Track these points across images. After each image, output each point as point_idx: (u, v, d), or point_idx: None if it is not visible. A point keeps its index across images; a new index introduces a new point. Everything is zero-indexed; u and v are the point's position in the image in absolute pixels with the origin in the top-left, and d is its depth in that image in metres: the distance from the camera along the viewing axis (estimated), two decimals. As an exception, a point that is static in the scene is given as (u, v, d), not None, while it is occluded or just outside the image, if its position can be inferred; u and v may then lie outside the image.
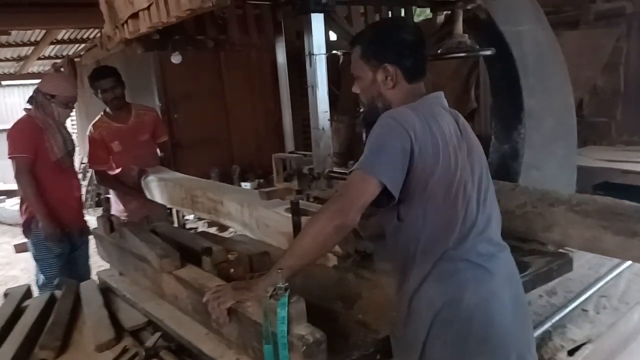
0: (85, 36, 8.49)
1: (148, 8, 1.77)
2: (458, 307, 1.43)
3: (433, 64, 6.63)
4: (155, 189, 3.30)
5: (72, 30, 8.11)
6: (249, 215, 2.42)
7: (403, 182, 1.42)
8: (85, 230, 3.71)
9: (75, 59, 8.80)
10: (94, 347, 1.84)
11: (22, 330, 1.93)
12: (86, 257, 3.72)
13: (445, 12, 2.67)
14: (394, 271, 1.60)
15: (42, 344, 1.82)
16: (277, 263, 1.54)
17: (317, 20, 2.03)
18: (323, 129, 2.12)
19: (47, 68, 10.33)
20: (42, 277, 3.43)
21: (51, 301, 2.22)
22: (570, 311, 2.26)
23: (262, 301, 1.41)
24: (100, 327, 1.92)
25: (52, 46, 8.90)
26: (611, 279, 2.50)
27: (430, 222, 1.46)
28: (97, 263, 3.98)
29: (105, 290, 2.33)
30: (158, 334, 1.87)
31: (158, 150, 3.90)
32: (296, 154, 2.29)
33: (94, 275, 4.71)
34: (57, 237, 3.30)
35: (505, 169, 2.83)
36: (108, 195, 8.05)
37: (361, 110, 7.77)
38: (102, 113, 3.69)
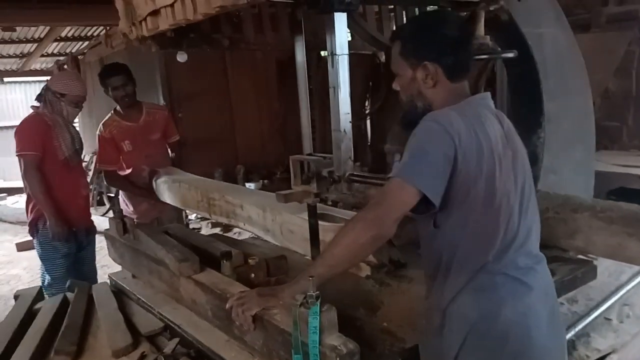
0: (89, 34, 8.44)
1: (172, 5, 1.72)
2: (494, 322, 1.38)
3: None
4: (168, 191, 3.24)
5: (76, 27, 8.07)
6: (271, 221, 2.33)
7: (445, 189, 1.35)
8: (91, 229, 3.67)
9: (79, 57, 8.75)
10: (110, 352, 1.79)
11: (36, 334, 1.88)
12: (92, 257, 3.69)
13: (465, 13, 2.63)
14: (426, 277, 1.54)
15: (57, 348, 1.77)
16: (306, 270, 1.49)
17: (340, 20, 1.98)
18: (345, 131, 2.07)
19: (50, 65, 10.28)
20: (48, 277, 3.39)
21: (64, 304, 2.17)
22: (593, 320, 2.22)
23: (292, 309, 1.36)
24: (116, 332, 1.87)
25: (55, 43, 8.85)
26: (633, 287, 2.46)
27: (469, 233, 1.40)
28: (100, 262, 3.95)
29: (118, 293, 2.28)
30: (176, 340, 1.83)
31: (169, 150, 3.83)
32: (315, 156, 2.25)
33: (103, 277, 4.68)
34: (64, 236, 3.26)
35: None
36: (111, 194, 8.05)
37: (367, 111, 7.75)
38: (112, 112, 3.62)
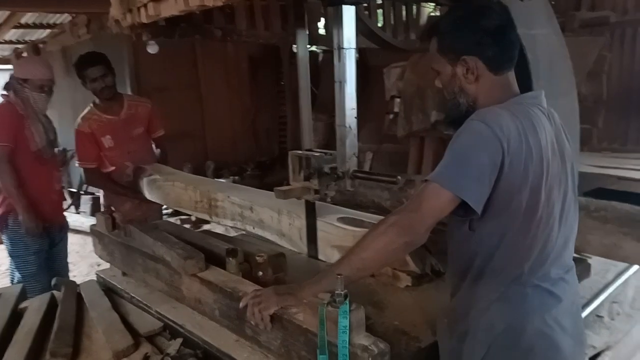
0: (51, 21, 8.10)
1: (180, -9, 1.64)
2: (520, 334, 1.34)
3: (417, 63, 6.59)
4: (159, 190, 3.07)
5: (37, 14, 7.73)
6: (288, 225, 2.23)
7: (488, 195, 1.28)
8: (64, 225, 3.52)
9: (40, 45, 8.40)
10: (108, 354, 1.71)
11: (27, 336, 1.78)
12: (65, 253, 3.55)
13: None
14: (452, 277, 1.51)
15: (52, 350, 1.67)
16: (326, 270, 1.44)
17: (349, 13, 1.95)
18: (350, 126, 2.04)
19: (7, 53, 9.82)
20: (17, 274, 3.25)
21: (52, 303, 2.05)
22: (585, 317, 2.26)
23: (319, 308, 1.31)
24: (114, 333, 1.79)
25: (14, 30, 8.45)
26: (620, 284, 2.52)
27: (506, 243, 1.34)
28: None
29: (107, 292, 2.18)
30: (179, 340, 1.75)
31: (154, 146, 3.65)
32: (316, 152, 2.20)
33: (78, 275, 4.49)
34: (37, 232, 3.12)
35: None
36: (72, 189, 7.76)
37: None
38: (91, 104, 3.42)
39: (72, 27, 6.58)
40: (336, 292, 1.29)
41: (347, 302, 1.29)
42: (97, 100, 3.39)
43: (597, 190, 3.75)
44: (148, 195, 3.22)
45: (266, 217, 2.35)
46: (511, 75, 1.44)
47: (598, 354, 2.10)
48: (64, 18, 7.11)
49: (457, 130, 1.33)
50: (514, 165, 1.26)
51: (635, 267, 2.50)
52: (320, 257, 2.14)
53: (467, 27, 1.39)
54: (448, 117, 1.51)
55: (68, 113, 7.73)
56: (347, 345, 1.27)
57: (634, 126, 5.36)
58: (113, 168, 3.42)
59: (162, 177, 3.07)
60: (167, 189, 3.00)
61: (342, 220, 2.05)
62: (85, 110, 3.41)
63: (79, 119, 3.40)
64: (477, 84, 1.41)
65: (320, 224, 2.08)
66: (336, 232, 2.07)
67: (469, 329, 1.40)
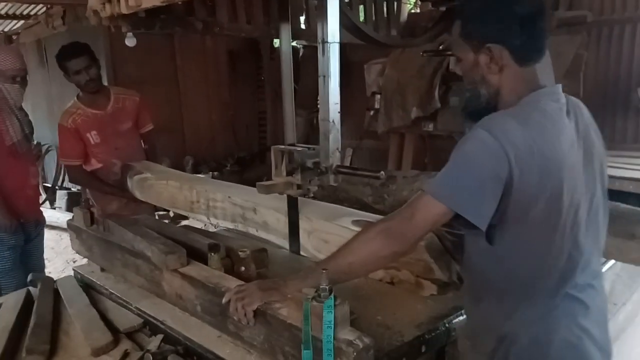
0: (25, 12, 7.92)
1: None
2: (548, 346, 1.28)
3: (397, 60, 6.61)
4: (150, 189, 2.93)
5: (10, 4, 7.55)
6: None
7: (495, 210, 1.20)
8: (41, 220, 3.44)
9: (13, 37, 8.21)
10: (87, 351, 1.67)
11: (2, 333, 1.73)
12: (41, 249, 3.47)
13: (441, 7, 2.64)
14: (470, 294, 1.45)
15: (29, 348, 1.63)
16: (311, 267, 1.43)
17: (333, 6, 1.93)
18: (333, 121, 2.03)
19: (-22, 44, 9.57)
20: (-8, 271, 3.16)
21: (28, 300, 2.00)
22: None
23: (304, 303, 1.30)
24: (93, 329, 1.75)
25: (-15, 21, 8.25)
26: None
27: (529, 255, 1.27)
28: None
29: (86, 288, 2.14)
30: (160, 337, 1.73)
31: (142, 142, 3.50)
32: (299, 146, 2.19)
33: (54, 271, 4.40)
34: (12, 227, 3.04)
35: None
36: (47, 184, 7.61)
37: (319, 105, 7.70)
38: (75, 98, 3.26)
39: (47, 18, 6.44)
40: (321, 286, 1.28)
41: (332, 296, 1.28)
42: (81, 94, 3.23)
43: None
44: (138, 194, 3.08)
45: (272, 220, 2.25)
46: (538, 67, 1.33)
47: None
48: (38, 9, 6.96)
49: (474, 122, 1.26)
50: (525, 176, 1.19)
51: (611, 262, 2.55)
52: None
53: (496, 12, 1.28)
54: (467, 107, 1.41)
55: (42, 106, 7.59)
56: (332, 340, 1.26)
57: (608, 124, 5.45)
58: (100, 166, 3.28)
59: (154, 176, 2.93)
60: (159, 188, 2.87)
61: (357, 223, 1.93)
62: (69, 104, 3.26)
63: (62, 114, 3.24)
64: (501, 74, 1.30)
65: (333, 227, 1.98)
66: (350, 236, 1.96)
67: (498, 346, 1.33)
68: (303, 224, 2.10)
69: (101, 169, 3.29)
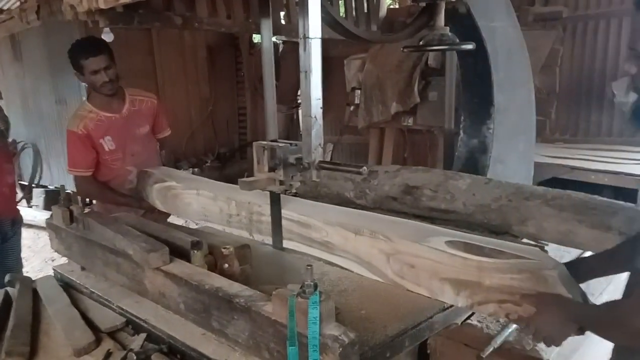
0: (-3, 7, 7.75)
1: (144, -25, 1.59)
2: None
3: (376, 55, 6.62)
4: (176, 199, 2.63)
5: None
6: (370, 248, 1.86)
7: None
8: (18, 219, 3.39)
9: (-15, 32, 8.01)
10: (68, 351, 1.65)
11: (-20, 335, 1.70)
12: (18, 249, 3.42)
13: (420, 3, 2.65)
14: None
15: (8, 350, 1.61)
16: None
17: (314, 2, 1.93)
18: (315, 117, 2.03)
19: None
20: (-34, 272, 3.10)
21: (7, 300, 1.97)
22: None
23: (288, 299, 1.30)
24: (74, 329, 1.72)
25: (-44, 15, 8.04)
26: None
27: None
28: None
29: (66, 287, 2.11)
30: (143, 335, 1.71)
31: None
32: (281, 142, 2.18)
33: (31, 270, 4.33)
34: (-13, 227, 3.00)
35: (473, 163, 2.88)
36: (23, 182, 7.47)
37: (299, 101, 7.72)
38: (85, 100, 2.98)
39: (21, 13, 6.31)
40: (305, 282, 1.29)
41: (317, 292, 1.28)
42: (92, 94, 2.92)
43: (551, 180, 3.90)
44: (159, 204, 2.76)
45: (337, 239, 1.96)
46: None
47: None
48: (12, 3, 6.82)
49: None
50: None
51: (588, 254, 2.59)
52: (421, 292, 1.76)
53: None
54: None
55: (16, 102, 7.45)
56: (318, 336, 1.26)
57: (583, 117, 5.55)
58: (113, 175, 2.99)
59: (180, 184, 2.62)
60: (187, 199, 2.56)
61: (453, 245, 1.65)
62: (79, 107, 2.95)
63: (71, 119, 2.92)
64: None
65: (422, 250, 1.70)
66: (449, 261, 1.63)
67: None
68: (380, 245, 1.83)
69: (115, 178, 3.01)
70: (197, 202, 2.53)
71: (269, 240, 2.24)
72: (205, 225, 2.65)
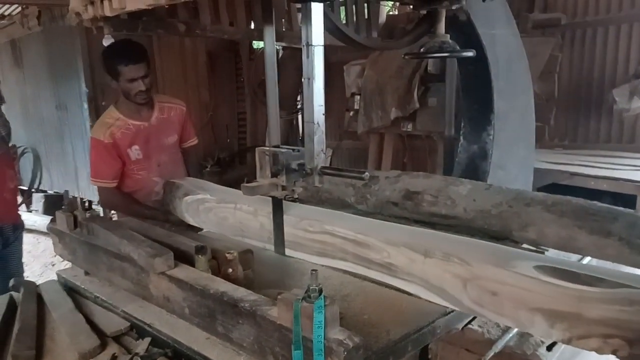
0: (-1, 12, 7.77)
1: (151, -16, 1.61)
2: None
3: (376, 61, 6.66)
4: (209, 213, 2.46)
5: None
6: (442, 272, 1.67)
7: None
8: (19, 224, 3.41)
9: (-14, 37, 8.04)
10: (73, 355, 1.66)
11: (-14, 339, 1.71)
12: (19, 254, 3.44)
13: (421, 10, 2.68)
14: None
15: (14, 354, 1.62)
16: None
17: (317, 10, 1.96)
18: (318, 123, 2.05)
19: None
20: (-33, 277, 3.11)
21: (11, 305, 1.98)
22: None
23: (294, 304, 1.32)
24: (79, 334, 1.74)
25: (-43, 20, 8.06)
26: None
27: None
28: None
29: (70, 292, 2.12)
30: (147, 339, 1.73)
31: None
32: (283, 148, 2.20)
33: (31, 275, 4.34)
34: (-12, 232, 3.02)
35: (474, 169, 2.90)
36: (23, 187, 7.47)
37: (299, 107, 7.74)
38: (112, 106, 2.81)
39: (23, 19, 6.34)
40: (311, 287, 1.30)
41: (322, 297, 1.30)
42: (120, 100, 2.79)
43: (551, 185, 3.92)
44: (189, 218, 2.60)
45: (401, 260, 1.78)
46: None
47: (554, 343, 2.19)
48: (13, 9, 6.84)
49: None
50: None
51: (588, 259, 2.61)
52: (509, 323, 1.60)
53: None
54: None
55: (16, 107, 7.46)
56: (323, 340, 1.28)
57: (582, 123, 5.59)
58: (137, 187, 2.88)
59: (215, 197, 2.45)
60: (223, 213, 2.40)
61: (542, 270, 1.47)
62: (106, 114, 2.81)
63: (96, 126, 2.80)
64: None
65: (506, 275, 1.51)
66: (541, 290, 1.44)
67: None
68: (455, 269, 1.64)
69: (140, 190, 2.89)
70: (233, 217, 2.37)
71: (321, 260, 2.06)
72: (207, 230, 2.62)
